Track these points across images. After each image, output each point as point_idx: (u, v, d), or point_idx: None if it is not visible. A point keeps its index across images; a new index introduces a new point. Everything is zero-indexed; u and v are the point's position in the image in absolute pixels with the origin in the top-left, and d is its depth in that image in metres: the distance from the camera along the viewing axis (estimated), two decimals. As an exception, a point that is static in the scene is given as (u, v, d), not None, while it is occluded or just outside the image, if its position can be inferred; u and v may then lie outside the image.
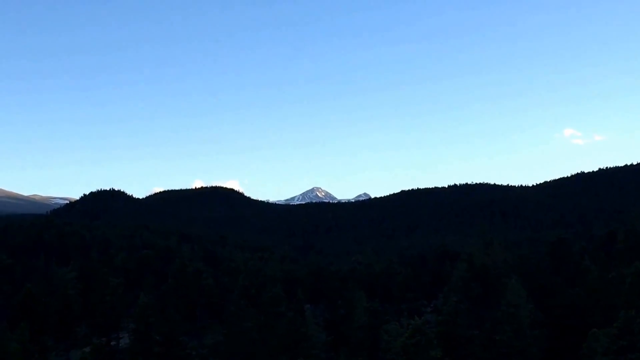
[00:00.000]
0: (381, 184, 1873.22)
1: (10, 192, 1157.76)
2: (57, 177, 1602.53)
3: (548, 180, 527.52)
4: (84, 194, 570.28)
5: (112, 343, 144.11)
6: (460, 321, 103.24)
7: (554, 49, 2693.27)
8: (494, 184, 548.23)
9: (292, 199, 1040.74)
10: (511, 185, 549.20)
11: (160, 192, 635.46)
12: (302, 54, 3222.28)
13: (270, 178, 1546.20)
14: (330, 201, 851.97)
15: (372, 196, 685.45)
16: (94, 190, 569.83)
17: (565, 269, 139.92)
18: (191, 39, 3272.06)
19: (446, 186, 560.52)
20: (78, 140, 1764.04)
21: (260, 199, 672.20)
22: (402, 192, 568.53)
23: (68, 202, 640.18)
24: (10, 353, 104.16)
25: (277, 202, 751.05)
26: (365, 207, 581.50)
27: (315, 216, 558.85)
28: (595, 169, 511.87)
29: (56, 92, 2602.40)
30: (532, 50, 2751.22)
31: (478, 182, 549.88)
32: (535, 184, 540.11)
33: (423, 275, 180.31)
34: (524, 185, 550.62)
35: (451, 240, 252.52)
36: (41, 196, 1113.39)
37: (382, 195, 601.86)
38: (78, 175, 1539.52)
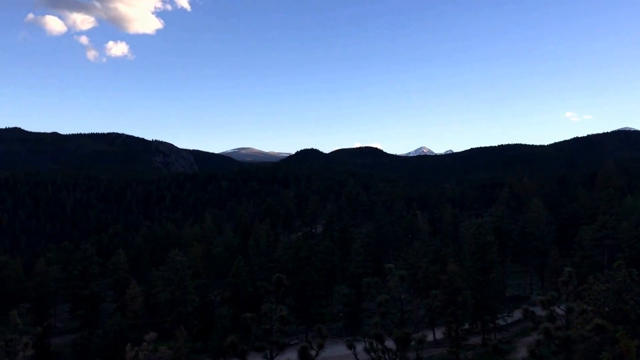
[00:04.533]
0: (459, 142, 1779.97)
1: (259, 150, 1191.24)
2: (283, 139, 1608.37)
3: (557, 141, 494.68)
4: (297, 150, 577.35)
5: (313, 230, 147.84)
6: (504, 220, 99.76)
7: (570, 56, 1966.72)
8: (525, 144, 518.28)
9: (409, 153, 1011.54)
10: (535, 145, 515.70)
11: (337, 149, 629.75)
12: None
13: (398, 140, 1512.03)
14: (430, 154, 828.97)
15: (455, 151, 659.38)
16: (301, 148, 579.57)
17: (566, 192, 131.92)
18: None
19: (496, 145, 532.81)
20: (297, 115, 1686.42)
21: (391, 152, 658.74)
22: (472, 149, 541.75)
23: (289, 155, 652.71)
24: (260, 235, 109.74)
25: (401, 155, 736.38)
26: (450, 157, 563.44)
27: (422, 163, 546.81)
28: (585, 135, 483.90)
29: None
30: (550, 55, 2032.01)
31: (515, 143, 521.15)
32: (549, 144, 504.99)
33: (483, 195, 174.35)
34: (543, 144, 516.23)
35: (499, 175, 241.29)
36: (274, 152, 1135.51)
37: (460, 150, 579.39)
38: (292, 139, 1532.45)
